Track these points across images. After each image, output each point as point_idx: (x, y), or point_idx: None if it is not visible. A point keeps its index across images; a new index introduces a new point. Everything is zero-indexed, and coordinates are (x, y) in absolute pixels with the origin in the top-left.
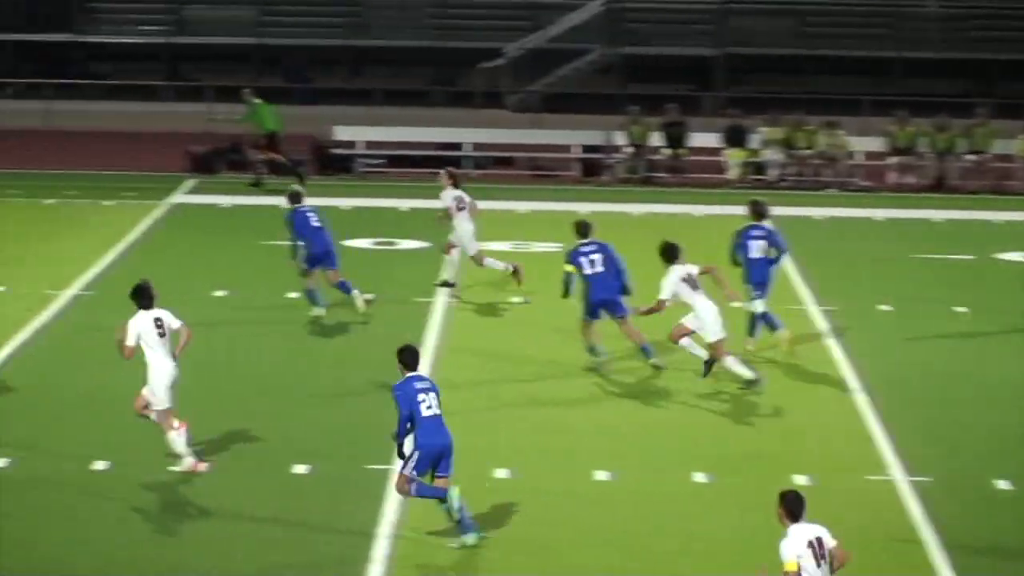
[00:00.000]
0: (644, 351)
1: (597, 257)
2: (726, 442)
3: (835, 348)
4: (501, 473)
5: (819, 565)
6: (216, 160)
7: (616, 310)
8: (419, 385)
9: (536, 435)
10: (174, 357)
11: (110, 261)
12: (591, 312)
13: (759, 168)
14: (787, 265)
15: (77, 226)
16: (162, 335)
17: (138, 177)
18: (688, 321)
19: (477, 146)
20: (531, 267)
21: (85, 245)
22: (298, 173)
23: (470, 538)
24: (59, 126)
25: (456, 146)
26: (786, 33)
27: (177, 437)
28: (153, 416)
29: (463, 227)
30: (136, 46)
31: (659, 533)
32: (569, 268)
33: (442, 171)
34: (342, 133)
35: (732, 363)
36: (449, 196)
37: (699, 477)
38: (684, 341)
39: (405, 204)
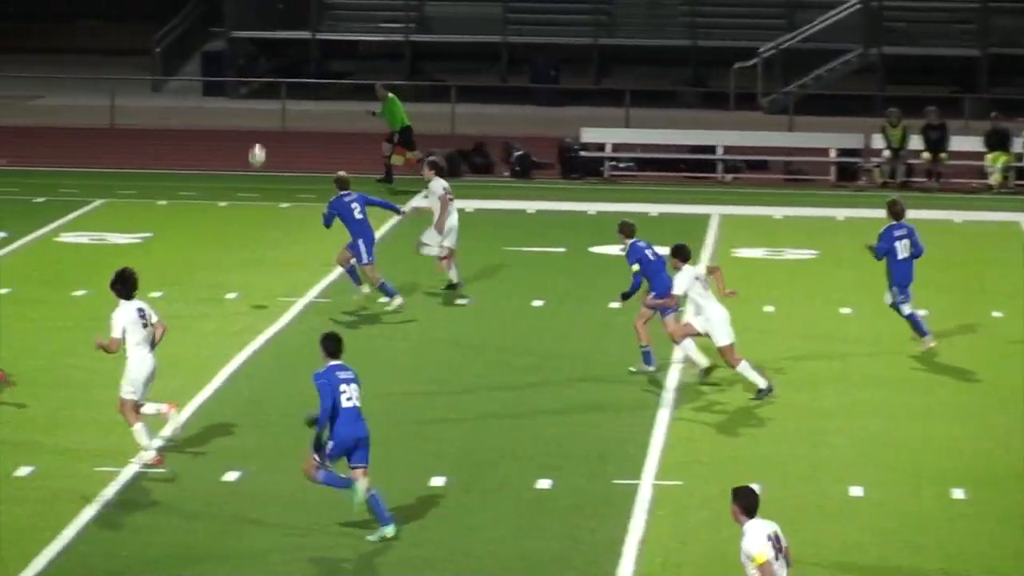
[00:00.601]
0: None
1: (652, 251)
2: (987, 456)
3: None
4: (754, 486)
5: (776, 558)
6: (458, 162)
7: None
8: (342, 375)
9: (791, 447)
10: (152, 348)
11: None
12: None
13: (1021, 173)
14: None
15: (312, 230)
16: (145, 326)
17: (376, 180)
18: (696, 322)
19: (729, 149)
20: (783, 274)
21: (320, 250)
22: (388, 180)
23: (389, 530)
24: (296, 127)
25: (708, 149)
26: None
27: (141, 429)
28: (151, 410)
29: (448, 219)
30: (376, 44)
31: (915, 551)
32: (636, 268)
33: (425, 162)
34: (590, 135)
35: (745, 369)
36: (439, 187)
37: (957, 493)
38: (687, 342)
39: (655, 209)
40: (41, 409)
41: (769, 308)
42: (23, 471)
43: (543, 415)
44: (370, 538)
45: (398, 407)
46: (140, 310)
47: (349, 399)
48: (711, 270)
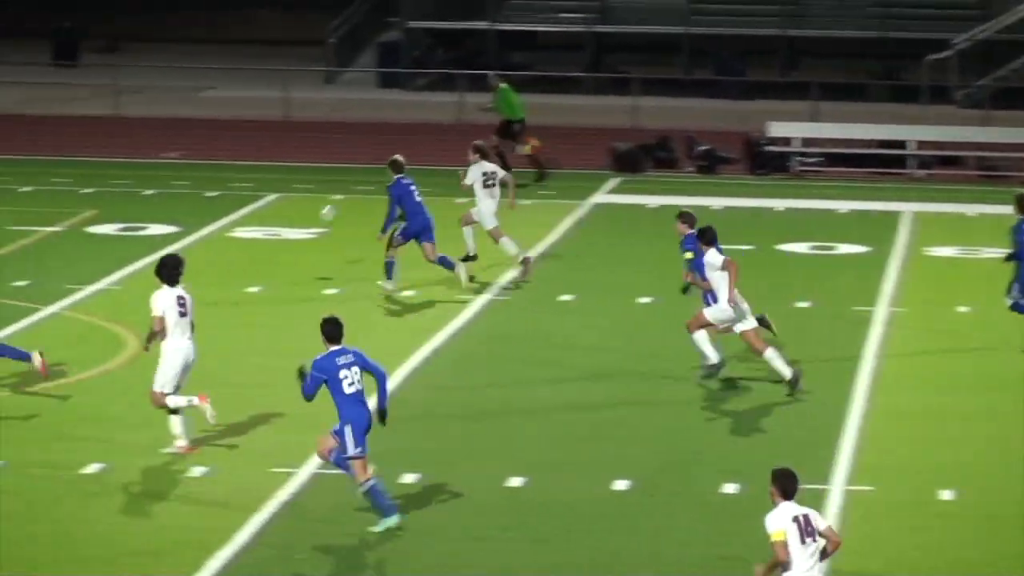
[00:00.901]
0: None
1: None
2: None
3: None
4: (946, 494)
5: (803, 542)
6: (642, 157)
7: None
8: (341, 360)
9: (984, 452)
10: (191, 336)
11: None
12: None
13: None
14: None
15: None
16: (183, 315)
17: (556, 174)
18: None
19: (922, 144)
20: (978, 273)
21: (499, 246)
22: (543, 177)
23: (392, 520)
24: (473, 119)
25: (899, 144)
26: None
27: (175, 419)
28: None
29: (484, 204)
30: (556, 35)
31: None
32: (689, 255)
33: (471, 145)
34: (777, 129)
35: (701, 345)
36: (476, 171)
37: None
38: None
39: (845, 206)
40: (219, 409)
41: (963, 309)
42: (197, 471)
43: (728, 416)
44: (372, 528)
45: (579, 408)
46: (180, 297)
47: (351, 384)
48: (728, 264)
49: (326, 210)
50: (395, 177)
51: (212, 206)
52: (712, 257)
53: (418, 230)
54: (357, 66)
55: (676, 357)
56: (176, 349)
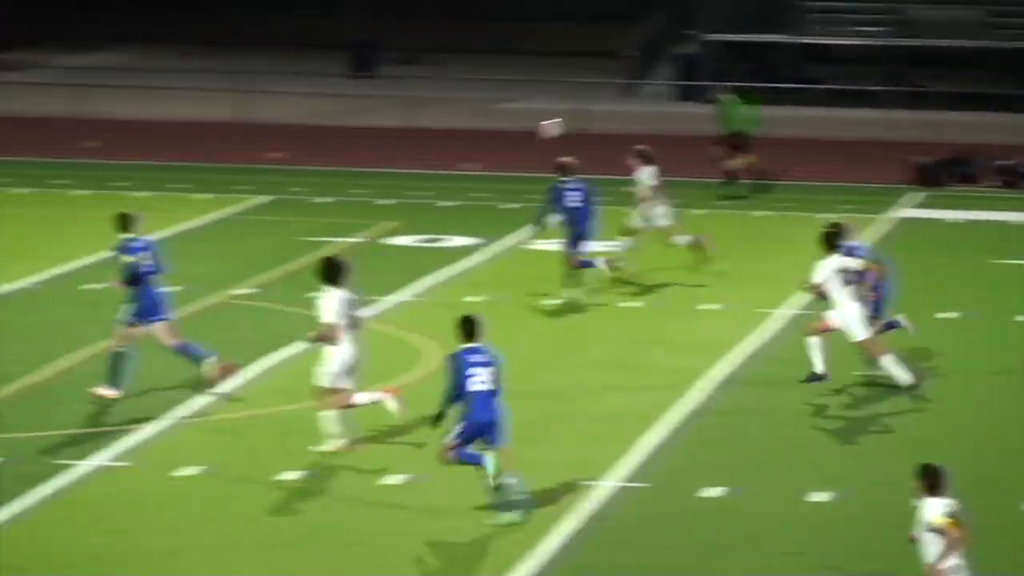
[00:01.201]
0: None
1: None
2: None
3: None
4: None
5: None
6: (943, 172)
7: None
8: (472, 358)
9: None
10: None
11: None
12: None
13: None
14: None
15: (788, 240)
16: (351, 316)
17: (854, 189)
18: (831, 318)
19: None
20: None
21: (796, 260)
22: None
23: (508, 517)
24: (774, 133)
25: None
26: None
27: (331, 416)
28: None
29: (658, 208)
30: (854, 48)
31: None
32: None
33: (631, 152)
34: None
35: (889, 363)
36: (648, 175)
37: None
38: (814, 340)
39: None
40: (516, 420)
41: None
42: None
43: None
44: (489, 521)
45: (880, 423)
46: (348, 300)
47: (482, 382)
48: (868, 267)
49: (552, 122)
50: (559, 178)
51: (510, 218)
52: (825, 264)
53: (577, 236)
54: (654, 78)
55: (980, 374)
56: (342, 349)
